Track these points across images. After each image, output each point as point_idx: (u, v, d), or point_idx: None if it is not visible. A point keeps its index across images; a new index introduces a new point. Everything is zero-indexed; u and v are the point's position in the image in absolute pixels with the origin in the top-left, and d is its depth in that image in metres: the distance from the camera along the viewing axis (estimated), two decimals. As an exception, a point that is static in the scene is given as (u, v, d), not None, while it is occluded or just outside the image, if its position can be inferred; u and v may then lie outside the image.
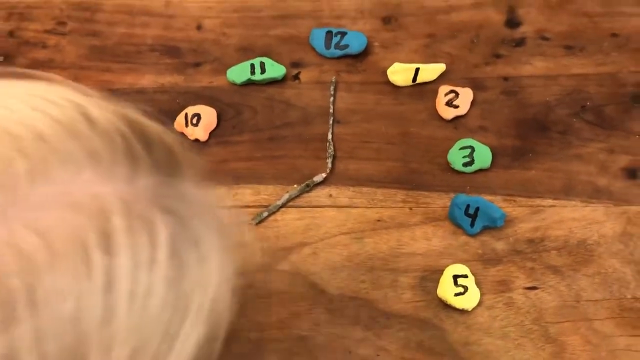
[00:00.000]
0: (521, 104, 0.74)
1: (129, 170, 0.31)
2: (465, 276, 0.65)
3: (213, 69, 0.77)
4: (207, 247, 0.33)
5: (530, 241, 0.67)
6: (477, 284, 0.65)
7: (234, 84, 0.76)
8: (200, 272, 0.32)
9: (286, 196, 0.69)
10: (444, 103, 0.73)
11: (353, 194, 0.70)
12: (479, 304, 0.65)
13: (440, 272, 0.66)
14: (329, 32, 0.77)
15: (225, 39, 0.79)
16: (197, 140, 0.72)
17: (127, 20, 0.80)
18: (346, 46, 0.76)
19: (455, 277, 0.64)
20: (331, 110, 0.74)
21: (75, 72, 0.77)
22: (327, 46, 0.76)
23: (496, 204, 0.68)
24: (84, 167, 0.29)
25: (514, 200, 0.69)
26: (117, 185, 0.30)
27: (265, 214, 0.69)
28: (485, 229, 0.67)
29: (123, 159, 0.31)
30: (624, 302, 0.65)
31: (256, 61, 0.75)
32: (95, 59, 0.78)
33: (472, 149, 0.70)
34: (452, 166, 0.70)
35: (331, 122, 0.73)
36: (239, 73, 0.75)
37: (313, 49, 0.77)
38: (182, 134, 0.73)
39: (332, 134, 0.73)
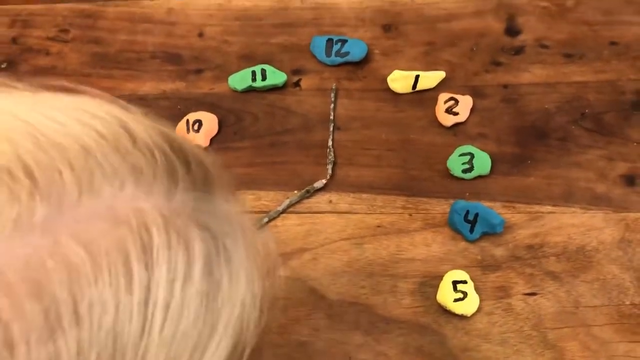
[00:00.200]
0: (520, 111, 0.74)
1: (168, 186, 0.31)
2: (465, 282, 0.65)
3: (214, 75, 0.77)
4: (237, 262, 0.34)
5: (530, 247, 0.67)
6: (477, 289, 0.65)
7: (235, 91, 0.76)
8: (230, 287, 0.33)
9: (286, 202, 0.70)
10: (444, 110, 0.73)
11: (353, 200, 0.70)
12: (478, 309, 0.65)
13: (439, 277, 0.66)
14: (329, 40, 0.77)
15: (227, 47, 0.79)
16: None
17: (128, 28, 0.81)
18: (347, 54, 0.77)
19: (455, 282, 0.65)
20: (331, 117, 0.74)
21: (77, 79, 0.78)
22: (328, 54, 0.77)
23: (495, 210, 0.68)
24: (126, 181, 0.30)
25: (513, 207, 0.69)
26: (157, 200, 0.31)
27: (266, 219, 0.69)
28: (485, 235, 0.67)
29: (163, 174, 0.31)
30: (622, 308, 0.65)
31: (257, 68, 0.76)
32: (98, 65, 0.79)
33: (472, 155, 0.70)
34: (451, 173, 0.70)
35: (331, 128, 0.74)
36: (240, 80, 0.76)
37: (314, 56, 0.78)
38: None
39: (333, 140, 0.73)
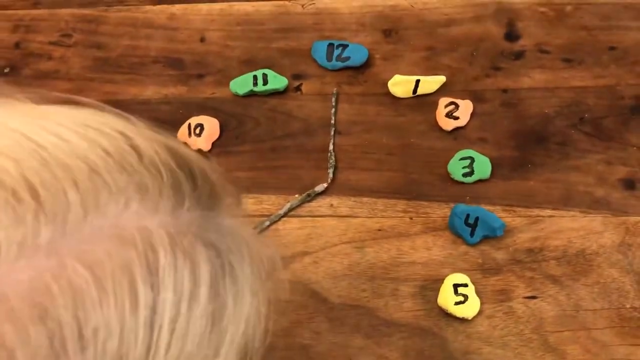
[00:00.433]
0: (520, 115, 0.74)
1: (174, 203, 0.31)
2: (466, 285, 0.65)
3: (216, 80, 0.78)
4: (242, 280, 0.33)
5: (530, 251, 0.68)
6: (477, 293, 0.65)
7: (237, 95, 0.76)
8: (235, 306, 0.33)
9: (288, 206, 0.70)
10: (444, 114, 0.74)
11: (354, 204, 0.71)
12: (479, 313, 0.65)
13: (440, 281, 0.66)
14: (330, 45, 0.78)
15: (229, 51, 0.80)
16: (199, 150, 0.73)
17: (131, 33, 0.81)
18: (347, 58, 0.77)
19: (456, 286, 0.65)
20: (332, 122, 0.75)
21: (79, 84, 0.78)
22: (329, 58, 0.77)
23: (496, 214, 0.68)
24: (132, 200, 0.29)
25: (514, 211, 0.69)
26: (163, 218, 0.30)
27: (267, 223, 0.69)
28: (485, 238, 0.68)
29: (169, 191, 0.31)
30: (623, 311, 0.65)
31: (259, 73, 0.76)
32: (100, 70, 0.79)
33: (472, 159, 0.71)
34: (452, 177, 0.71)
35: (332, 133, 0.74)
36: (241, 84, 0.76)
37: (315, 61, 0.78)
38: (185, 144, 0.74)
39: (334, 144, 0.74)
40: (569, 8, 0.81)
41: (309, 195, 0.71)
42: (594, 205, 0.70)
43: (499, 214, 0.69)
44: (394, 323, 0.65)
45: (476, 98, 0.75)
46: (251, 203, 0.71)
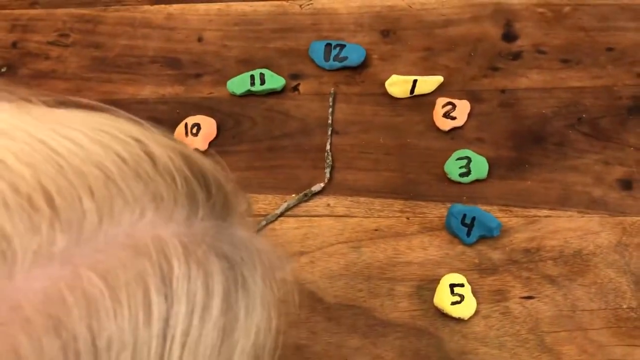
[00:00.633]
0: (518, 115, 0.74)
1: (189, 212, 0.30)
2: (462, 285, 0.65)
3: (213, 80, 0.78)
4: (254, 291, 0.33)
5: (527, 251, 0.67)
6: (474, 293, 0.65)
7: (234, 95, 0.76)
8: (246, 319, 0.32)
9: (284, 205, 0.70)
10: (442, 115, 0.73)
11: (351, 204, 0.71)
12: (476, 313, 0.65)
13: (436, 281, 0.66)
14: (328, 45, 0.78)
15: (226, 51, 0.80)
16: (196, 150, 0.73)
17: (128, 32, 0.81)
18: (345, 58, 0.77)
19: (452, 286, 0.65)
20: (330, 121, 0.75)
21: (77, 83, 0.78)
22: (326, 58, 0.77)
23: (492, 214, 0.68)
24: (147, 208, 0.29)
25: (510, 211, 0.69)
26: (177, 227, 0.30)
27: (264, 222, 0.69)
28: (482, 238, 0.68)
29: (184, 200, 0.30)
30: (619, 312, 0.65)
31: (256, 72, 0.76)
32: (97, 70, 0.79)
33: (469, 159, 0.71)
34: (448, 176, 0.71)
35: (330, 132, 0.74)
36: (239, 84, 0.76)
37: (312, 61, 0.78)
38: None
39: (331, 144, 0.73)
40: (566, 9, 0.81)
41: (306, 195, 0.71)
42: (591, 205, 0.69)
43: (495, 214, 0.68)
44: (390, 323, 0.65)
45: (474, 98, 0.75)
46: (248, 203, 0.70)
